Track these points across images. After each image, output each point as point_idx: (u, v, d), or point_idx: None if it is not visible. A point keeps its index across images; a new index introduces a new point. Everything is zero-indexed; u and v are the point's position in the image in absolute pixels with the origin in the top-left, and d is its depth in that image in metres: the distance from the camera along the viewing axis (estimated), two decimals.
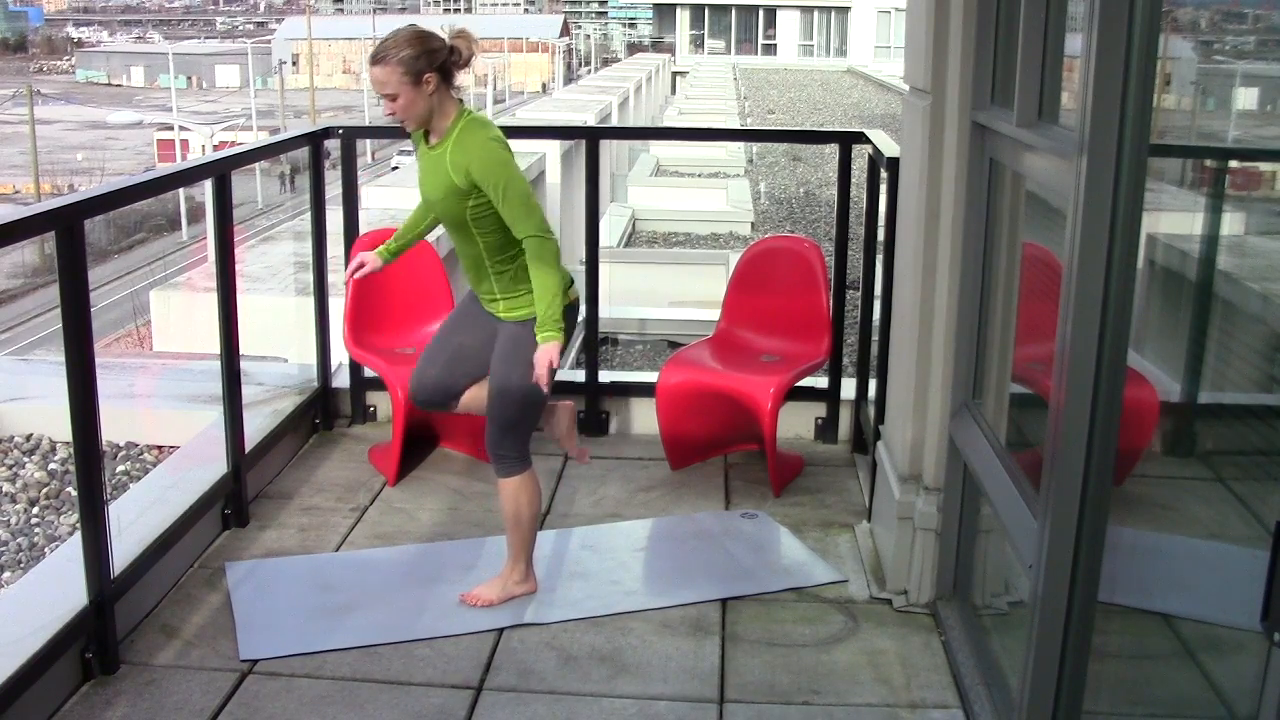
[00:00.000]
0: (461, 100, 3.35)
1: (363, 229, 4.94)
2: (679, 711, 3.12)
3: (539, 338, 3.29)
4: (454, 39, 3.26)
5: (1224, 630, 2.40)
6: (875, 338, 4.44)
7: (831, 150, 5.96)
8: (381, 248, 3.70)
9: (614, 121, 24.45)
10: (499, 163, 3.24)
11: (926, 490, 3.61)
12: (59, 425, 4.91)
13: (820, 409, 4.92)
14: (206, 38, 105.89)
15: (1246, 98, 2.82)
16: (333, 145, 4.95)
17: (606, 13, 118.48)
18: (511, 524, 3.59)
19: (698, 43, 63.59)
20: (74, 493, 4.21)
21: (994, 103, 3.23)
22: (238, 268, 4.19)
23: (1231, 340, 2.70)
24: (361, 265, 3.68)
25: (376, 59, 3.21)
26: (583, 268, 5.04)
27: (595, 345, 5.09)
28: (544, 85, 71.08)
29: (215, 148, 34.04)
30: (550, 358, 3.27)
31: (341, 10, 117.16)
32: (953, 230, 3.40)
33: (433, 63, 3.21)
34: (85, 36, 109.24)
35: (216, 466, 4.03)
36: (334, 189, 4.92)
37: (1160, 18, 2.29)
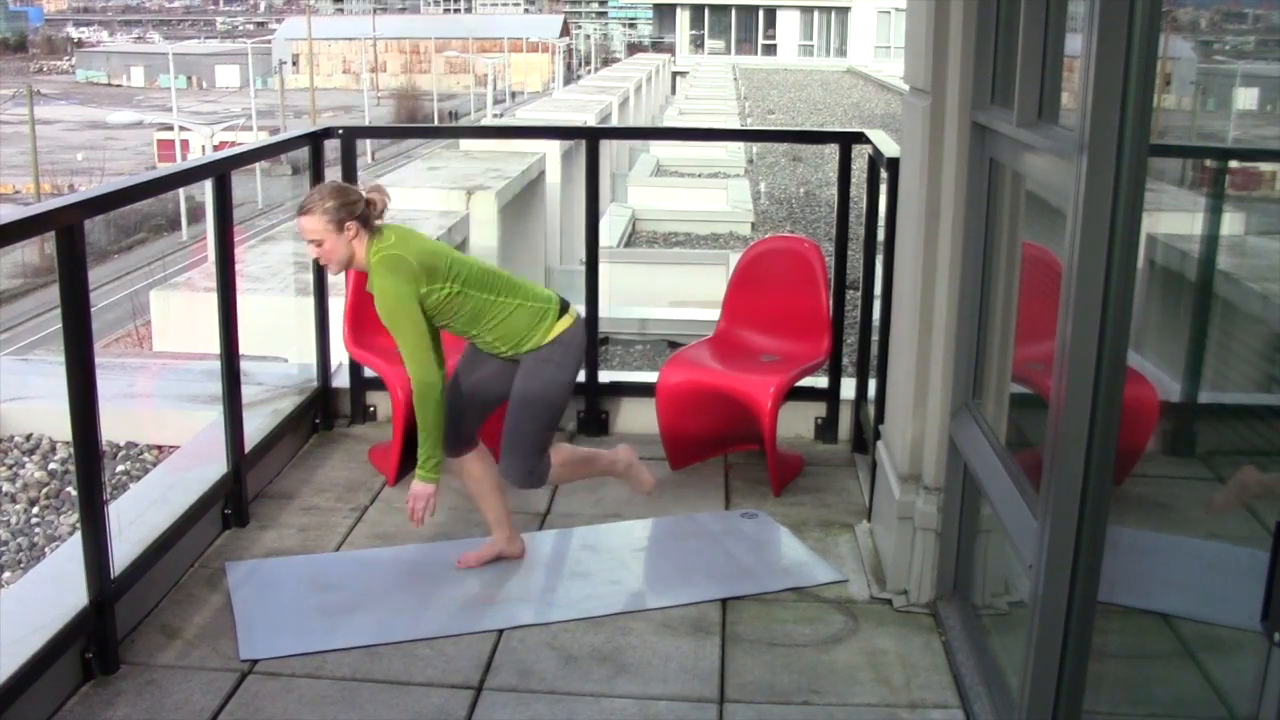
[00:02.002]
0: (379, 238, 3.54)
1: None
2: (679, 711, 3.12)
3: (418, 475, 3.59)
4: (369, 193, 3.58)
5: (1224, 630, 2.40)
6: (875, 338, 4.44)
7: (831, 150, 5.96)
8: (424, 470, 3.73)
9: (614, 121, 24.45)
10: (389, 310, 3.49)
11: (926, 490, 3.61)
12: (59, 425, 4.91)
13: (820, 409, 4.92)
14: (206, 38, 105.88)
15: (1246, 98, 2.82)
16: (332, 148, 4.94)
17: (606, 13, 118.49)
18: (478, 499, 3.86)
19: (698, 43, 63.59)
20: (74, 493, 4.22)
21: (994, 103, 3.23)
22: (238, 268, 4.19)
23: (1231, 340, 2.70)
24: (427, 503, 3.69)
25: (304, 210, 3.53)
26: (583, 268, 5.04)
27: (595, 345, 5.08)
28: (546, 86, 71.13)
29: (215, 148, 34.03)
30: (426, 494, 3.58)
31: (341, 10, 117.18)
32: (953, 230, 3.40)
33: (352, 212, 3.51)
34: (85, 36, 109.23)
35: (216, 466, 4.03)
36: None
37: (1160, 18, 2.29)
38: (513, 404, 3.68)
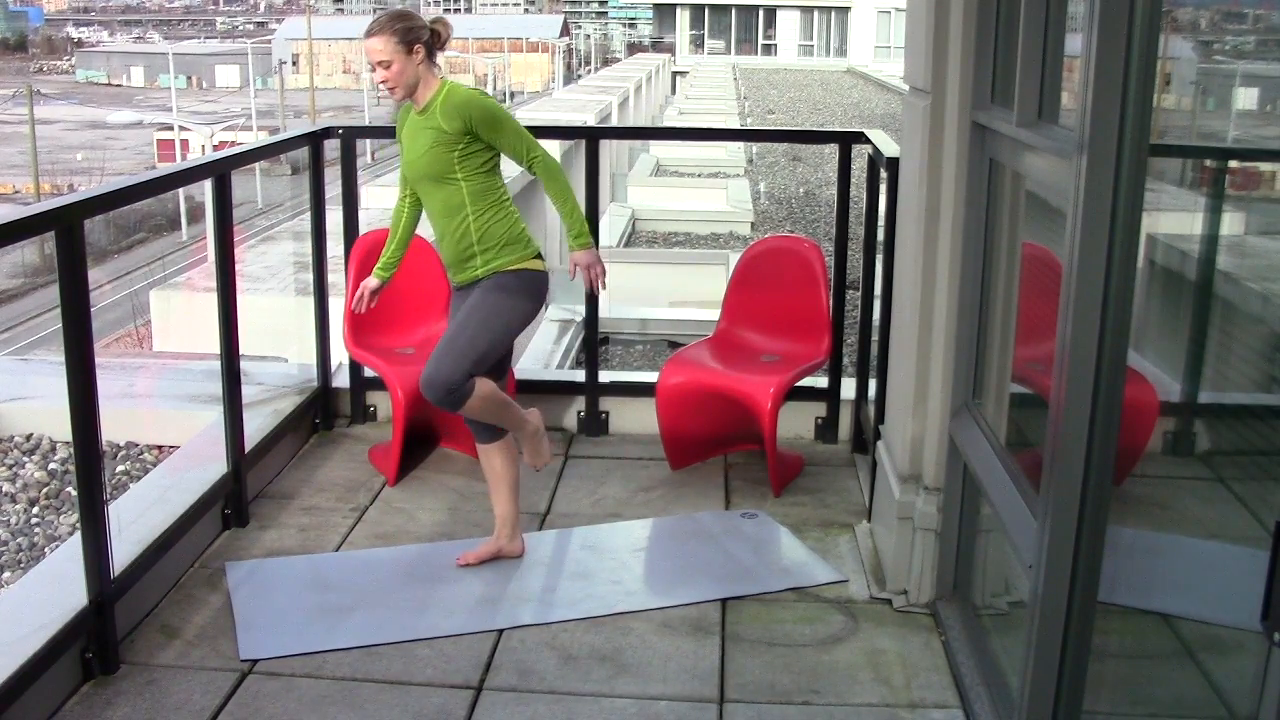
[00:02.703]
0: (441, 75, 3.68)
1: (362, 229, 4.95)
2: (679, 711, 3.12)
3: (577, 244, 3.69)
4: (434, 23, 3.65)
5: (1224, 630, 2.40)
6: (875, 338, 4.44)
7: (831, 150, 5.96)
8: (377, 268, 3.91)
9: (614, 121, 24.46)
10: (490, 106, 3.63)
11: (926, 490, 3.61)
12: (59, 425, 4.91)
13: (820, 409, 4.92)
14: (206, 38, 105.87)
15: (1246, 98, 2.82)
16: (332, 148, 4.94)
17: (606, 13, 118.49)
18: (493, 490, 3.85)
19: (698, 43, 63.60)
20: (74, 493, 4.22)
21: (994, 103, 3.23)
22: (238, 268, 4.19)
23: (1231, 340, 2.70)
24: (363, 294, 3.90)
25: (371, 32, 3.57)
26: None
27: (595, 345, 5.08)
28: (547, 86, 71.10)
29: (215, 148, 34.04)
30: (594, 259, 3.71)
31: (341, 10, 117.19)
32: (953, 230, 3.40)
33: (420, 36, 3.58)
34: (85, 36, 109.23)
35: (216, 466, 4.03)
36: (333, 189, 4.92)
37: (1160, 18, 2.28)
38: (459, 319, 3.65)
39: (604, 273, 3.76)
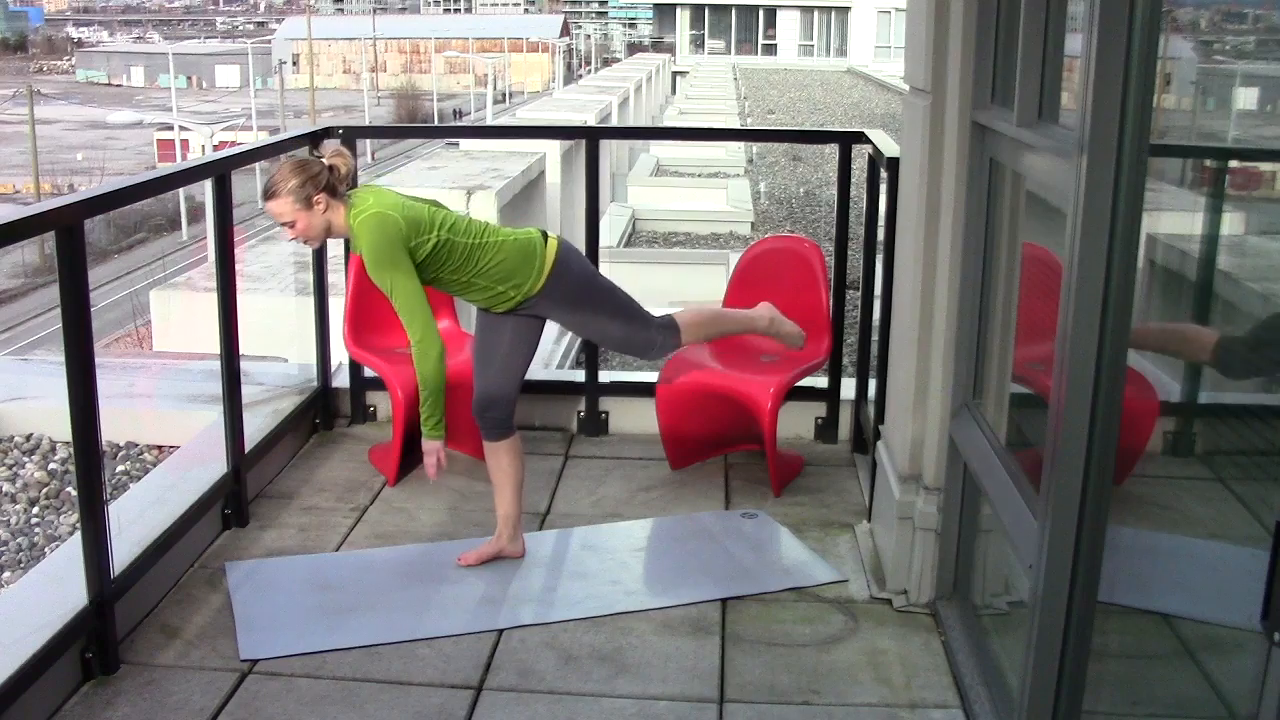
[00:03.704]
0: (354, 202, 3.54)
1: None
2: (679, 711, 3.12)
3: (425, 433, 3.61)
4: (331, 159, 3.55)
5: (1224, 630, 2.40)
6: (875, 337, 4.44)
7: (831, 150, 5.95)
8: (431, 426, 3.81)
9: (614, 121, 24.45)
10: (380, 267, 3.47)
11: (926, 490, 3.61)
12: (59, 425, 4.91)
13: (820, 409, 4.92)
14: (206, 38, 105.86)
15: (1246, 98, 2.82)
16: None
17: (606, 13, 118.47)
18: (498, 490, 3.85)
19: (698, 43, 63.61)
20: (74, 493, 4.22)
21: (994, 103, 3.23)
22: (238, 267, 4.19)
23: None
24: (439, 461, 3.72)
25: (268, 194, 3.52)
26: None
27: (595, 345, 5.08)
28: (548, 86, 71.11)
29: (215, 148, 34.03)
30: (434, 451, 3.61)
31: (341, 10, 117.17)
32: (953, 230, 3.40)
33: (318, 185, 3.50)
34: (85, 36, 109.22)
35: (216, 466, 4.03)
36: None
37: (1160, 18, 2.28)
38: (580, 325, 3.82)
39: (439, 465, 3.61)
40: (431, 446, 3.61)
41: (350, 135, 4.90)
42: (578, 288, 3.73)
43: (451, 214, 3.65)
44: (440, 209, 3.65)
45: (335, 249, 4.88)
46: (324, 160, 3.54)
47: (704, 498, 4.40)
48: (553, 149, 13.78)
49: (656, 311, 3.92)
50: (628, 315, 3.81)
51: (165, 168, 4.40)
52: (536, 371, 5.52)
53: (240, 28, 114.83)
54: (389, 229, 3.45)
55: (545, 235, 3.71)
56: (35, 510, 4.98)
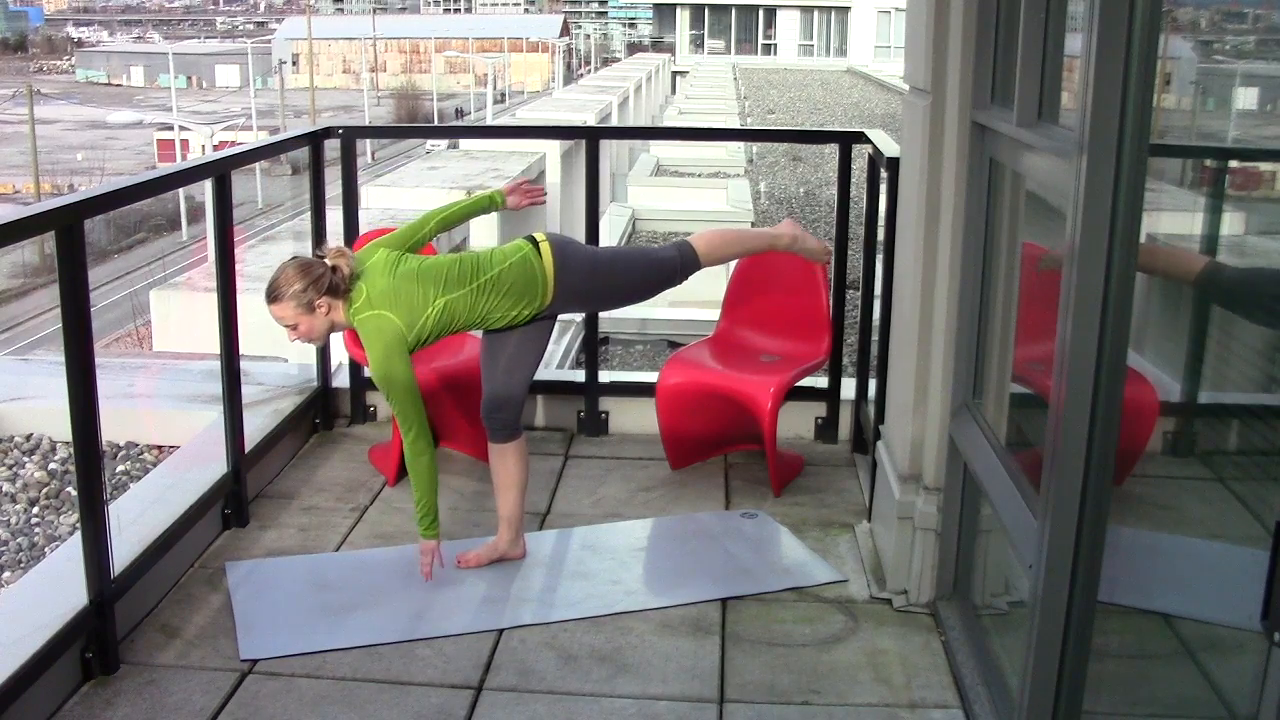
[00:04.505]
0: (354, 300, 3.54)
1: (363, 228, 4.95)
2: (679, 711, 3.12)
3: (420, 534, 3.61)
4: (333, 259, 3.53)
5: (1224, 630, 2.40)
6: (875, 338, 4.44)
7: (831, 150, 5.96)
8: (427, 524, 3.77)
9: (614, 121, 24.47)
10: (381, 376, 3.50)
11: (926, 490, 3.61)
12: (59, 425, 4.91)
13: (820, 409, 4.92)
14: (206, 38, 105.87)
15: (1246, 98, 2.82)
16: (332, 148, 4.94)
17: (606, 13, 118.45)
18: (500, 491, 3.84)
19: (698, 43, 63.62)
20: (74, 493, 4.22)
21: (994, 103, 3.23)
22: (238, 267, 4.19)
23: (1231, 340, 2.70)
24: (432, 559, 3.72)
25: (271, 298, 3.53)
26: None
27: (595, 345, 5.08)
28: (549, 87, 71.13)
29: (215, 148, 34.03)
30: (430, 550, 3.62)
31: (341, 10, 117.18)
32: (953, 230, 3.40)
33: (320, 290, 3.50)
34: (85, 36, 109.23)
35: (216, 466, 4.03)
36: (333, 189, 4.92)
37: (1160, 18, 2.28)
38: (601, 304, 4.02)
39: (435, 562, 3.64)
40: (427, 546, 3.62)
41: (350, 135, 4.90)
42: (584, 278, 3.73)
43: (443, 265, 3.60)
44: (429, 269, 3.58)
45: None
46: (326, 262, 3.53)
47: (704, 498, 4.40)
48: (553, 149, 13.80)
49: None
50: (639, 270, 3.84)
51: (165, 168, 4.40)
52: (536, 371, 5.52)
53: (240, 28, 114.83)
54: (387, 333, 3.48)
55: (535, 243, 3.68)
56: (35, 510, 4.98)
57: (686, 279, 3.89)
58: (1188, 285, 2.79)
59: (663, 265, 3.84)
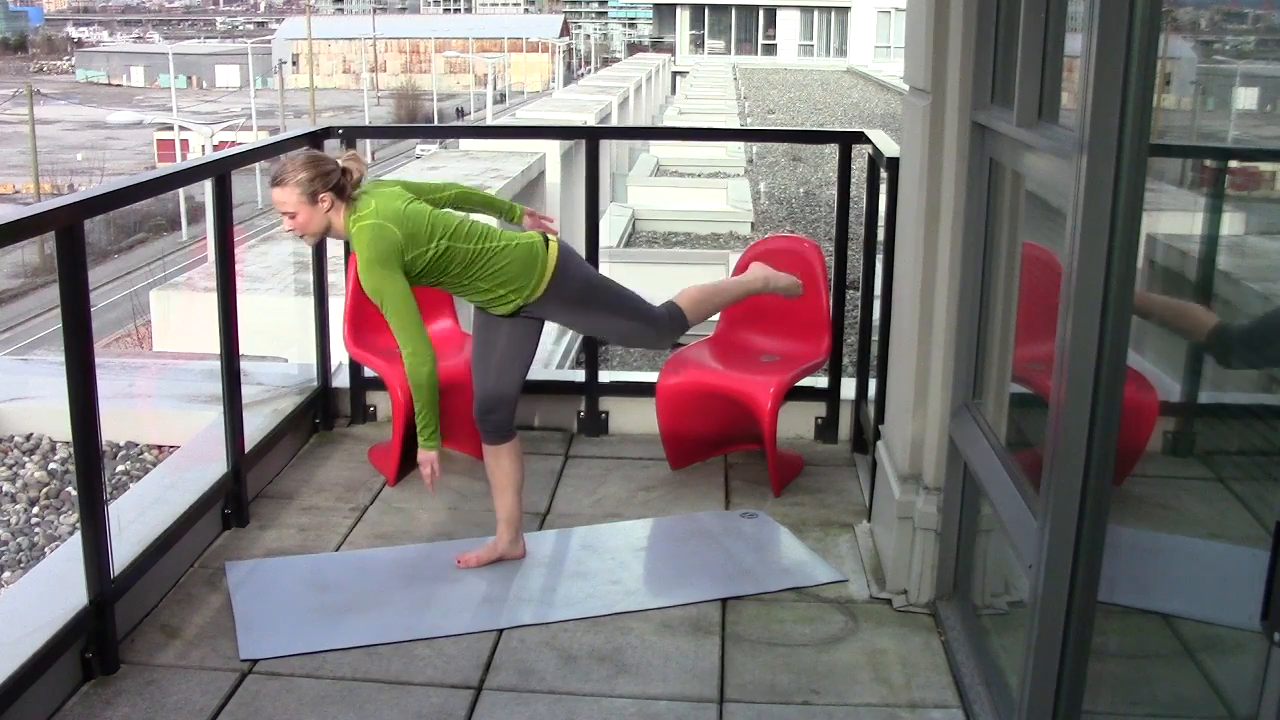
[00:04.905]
0: (356, 207, 3.51)
1: None
2: (679, 711, 3.12)
3: (420, 444, 3.58)
4: (345, 161, 3.53)
5: (1224, 630, 2.40)
6: (875, 338, 4.44)
7: (831, 150, 5.96)
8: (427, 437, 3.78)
9: (614, 121, 24.47)
10: (374, 284, 3.44)
11: (926, 490, 3.61)
12: (59, 425, 4.91)
13: (820, 409, 4.92)
14: (206, 38, 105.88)
15: (1246, 98, 2.82)
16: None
17: (606, 13, 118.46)
18: (497, 492, 3.84)
19: (698, 43, 63.62)
20: (74, 493, 4.22)
21: (994, 103, 3.23)
22: (238, 268, 4.19)
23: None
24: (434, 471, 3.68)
25: (276, 181, 3.50)
26: None
27: (595, 345, 5.08)
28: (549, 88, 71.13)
29: (215, 148, 34.02)
30: (430, 460, 3.58)
31: (341, 10, 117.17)
32: (953, 230, 3.40)
33: (327, 183, 3.48)
34: (85, 36, 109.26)
35: (216, 466, 4.03)
36: None
37: (1160, 18, 2.28)
38: (583, 325, 3.85)
39: (435, 475, 3.60)
40: (426, 457, 3.60)
41: (350, 135, 4.90)
42: (578, 291, 3.73)
43: (455, 217, 3.62)
44: (442, 215, 3.60)
45: (335, 249, 4.88)
46: (339, 161, 3.52)
47: (704, 498, 4.40)
48: (552, 149, 13.79)
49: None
50: (629, 310, 3.81)
51: (165, 168, 4.40)
52: (536, 371, 5.52)
53: (240, 28, 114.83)
54: (384, 242, 3.42)
55: (546, 240, 3.70)
56: (35, 510, 4.98)
57: (674, 339, 3.90)
58: (1196, 341, 2.78)
59: (649, 314, 3.83)
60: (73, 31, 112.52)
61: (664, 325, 3.84)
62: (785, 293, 4.24)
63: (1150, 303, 2.76)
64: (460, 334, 4.79)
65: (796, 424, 4.89)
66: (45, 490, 5.07)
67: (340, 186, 3.49)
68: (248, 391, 4.26)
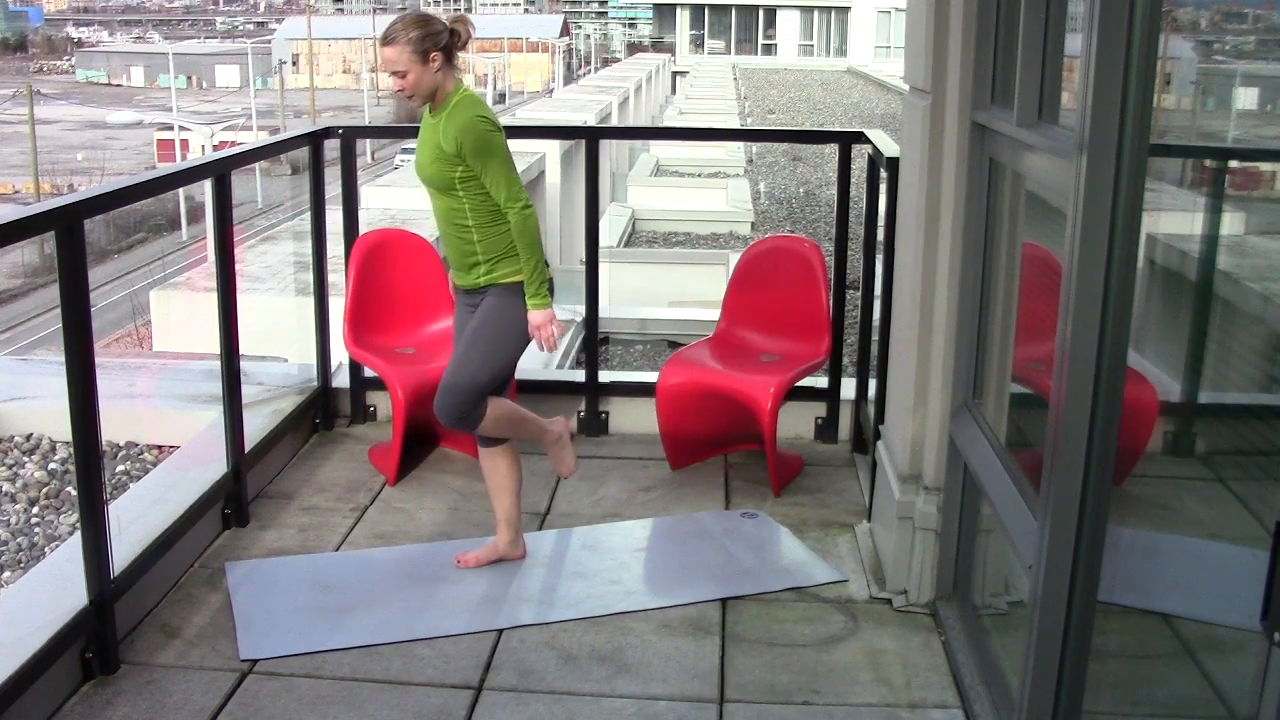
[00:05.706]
0: (461, 79, 3.60)
1: (362, 229, 4.95)
2: (679, 711, 3.12)
3: (530, 305, 3.57)
4: (454, 23, 3.56)
5: (1224, 630, 2.40)
6: (875, 338, 4.44)
7: (831, 150, 5.95)
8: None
9: (614, 121, 24.48)
10: (484, 137, 3.48)
11: (926, 490, 3.61)
12: (59, 425, 4.91)
13: (820, 409, 4.92)
14: (206, 38, 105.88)
15: (1246, 98, 2.82)
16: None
17: (606, 13, 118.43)
18: (495, 494, 3.82)
19: (698, 43, 63.62)
20: (74, 493, 4.21)
21: (994, 103, 3.23)
22: (238, 268, 4.19)
23: (1231, 340, 2.70)
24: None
25: (387, 40, 3.51)
26: (583, 267, 5.04)
27: (595, 345, 5.08)
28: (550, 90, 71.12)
29: (215, 148, 34.03)
30: (546, 320, 3.57)
31: (341, 10, 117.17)
32: (953, 230, 3.40)
33: (437, 43, 3.49)
34: (85, 36, 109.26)
35: (216, 466, 4.03)
36: (333, 189, 4.92)
37: (1160, 18, 2.28)
38: (468, 339, 3.62)
39: (557, 334, 3.60)
40: (542, 316, 3.56)
41: (350, 135, 4.90)
42: (514, 314, 3.60)
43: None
44: None
45: (335, 249, 4.88)
46: (447, 22, 3.54)
47: (704, 498, 4.40)
48: (552, 149, 13.80)
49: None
50: (491, 374, 3.61)
51: (165, 168, 4.40)
52: (537, 371, 5.54)
53: (240, 28, 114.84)
54: (491, 113, 3.53)
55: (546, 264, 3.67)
56: (35, 510, 4.98)
57: (459, 423, 3.65)
58: None
59: (484, 387, 3.61)
60: (73, 31, 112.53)
61: (476, 404, 3.60)
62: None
63: None
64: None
65: (796, 424, 4.89)
66: (45, 490, 5.07)
67: (449, 47, 3.50)
68: (248, 391, 4.26)
